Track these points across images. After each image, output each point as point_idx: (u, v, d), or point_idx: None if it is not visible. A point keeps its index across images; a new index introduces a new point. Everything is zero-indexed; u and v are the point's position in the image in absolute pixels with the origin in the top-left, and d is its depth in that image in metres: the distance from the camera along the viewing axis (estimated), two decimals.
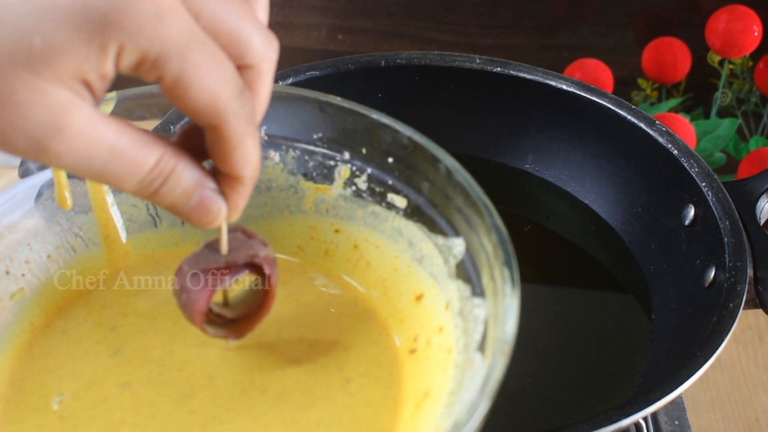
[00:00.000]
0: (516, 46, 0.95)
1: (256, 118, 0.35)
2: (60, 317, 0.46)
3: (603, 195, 0.65)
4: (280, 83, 0.63)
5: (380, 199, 0.47)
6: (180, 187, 0.34)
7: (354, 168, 0.47)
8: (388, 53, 0.67)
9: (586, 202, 0.66)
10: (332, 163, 0.48)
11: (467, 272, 0.42)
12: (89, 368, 0.44)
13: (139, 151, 0.33)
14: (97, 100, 0.32)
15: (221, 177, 0.35)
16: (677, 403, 0.58)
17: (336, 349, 0.45)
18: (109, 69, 0.31)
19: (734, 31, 0.82)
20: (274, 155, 0.49)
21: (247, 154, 0.34)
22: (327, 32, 0.94)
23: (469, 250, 0.42)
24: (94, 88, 0.32)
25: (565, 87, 0.65)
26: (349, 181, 0.48)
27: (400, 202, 0.47)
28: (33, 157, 0.31)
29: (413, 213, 0.46)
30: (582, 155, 0.66)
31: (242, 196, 0.36)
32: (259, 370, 0.43)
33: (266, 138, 0.48)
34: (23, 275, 0.46)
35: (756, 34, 0.82)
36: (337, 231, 0.49)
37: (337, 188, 0.48)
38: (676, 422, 0.57)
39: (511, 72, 0.66)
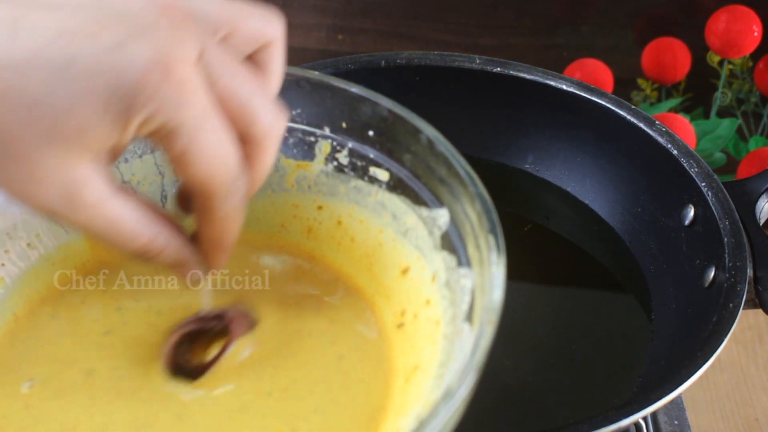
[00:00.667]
0: (516, 46, 0.94)
1: (248, 195, 0.37)
2: (47, 303, 0.46)
3: (603, 195, 0.65)
4: None
5: (362, 173, 0.47)
6: (164, 263, 0.38)
7: (335, 143, 0.47)
8: (388, 53, 0.67)
9: (586, 202, 0.66)
10: (312, 138, 0.47)
11: (452, 243, 0.42)
12: (72, 349, 0.43)
13: (135, 230, 0.36)
14: (110, 159, 0.35)
15: (203, 239, 0.38)
16: (677, 403, 0.58)
17: (321, 329, 0.44)
18: (127, 140, 0.34)
19: (734, 31, 0.82)
20: None
21: (229, 229, 0.37)
22: (327, 32, 0.94)
23: (453, 220, 0.42)
24: (110, 153, 0.35)
25: (564, 87, 0.65)
26: (331, 157, 0.47)
27: (383, 175, 0.46)
28: (43, 214, 0.34)
29: (396, 186, 0.45)
30: (582, 155, 0.66)
31: (221, 258, 0.39)
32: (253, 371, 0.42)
33: None
34: (3, 265, 0.45)
35: (756, 34, 0.82)
36: (319, 208, 0.49)
37: (318, 164, 0.48)
38: (676, 422, 0.57)
39: (511, 72, 0.66)
